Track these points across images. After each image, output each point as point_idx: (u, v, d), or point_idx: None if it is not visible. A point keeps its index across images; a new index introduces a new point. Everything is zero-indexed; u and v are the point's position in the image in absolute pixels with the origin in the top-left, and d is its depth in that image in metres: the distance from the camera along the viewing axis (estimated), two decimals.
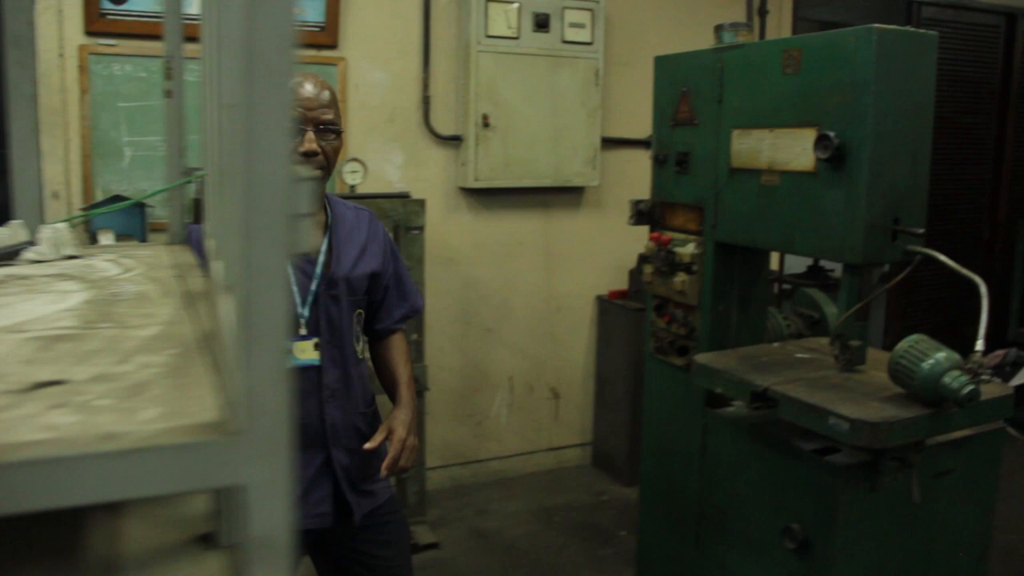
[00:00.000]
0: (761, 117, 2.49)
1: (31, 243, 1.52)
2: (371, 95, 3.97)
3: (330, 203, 2.11)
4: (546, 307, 4.47)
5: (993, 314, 2.06)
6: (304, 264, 2.00)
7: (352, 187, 3.71)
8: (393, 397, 2.19)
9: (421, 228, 3.65)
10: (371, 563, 2.15)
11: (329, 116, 1.98)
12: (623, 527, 3.92)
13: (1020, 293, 5.76)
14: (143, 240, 3.55)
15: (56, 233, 1.55)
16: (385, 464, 2.03)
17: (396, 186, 3.96)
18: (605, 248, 4.47)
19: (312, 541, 2.12)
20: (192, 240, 1.94)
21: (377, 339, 2.25)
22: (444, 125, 4.10)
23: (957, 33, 5.39)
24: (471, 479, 4.41)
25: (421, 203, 3.64)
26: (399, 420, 2.08)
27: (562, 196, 4.33)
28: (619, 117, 4.39)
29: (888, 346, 3.88)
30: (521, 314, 4.43)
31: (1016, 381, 4.57)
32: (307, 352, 1.99)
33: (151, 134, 3.66)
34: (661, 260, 2.84)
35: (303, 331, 1.99)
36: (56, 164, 3.59)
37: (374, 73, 3.96)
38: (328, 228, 2.06)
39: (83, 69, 3.55)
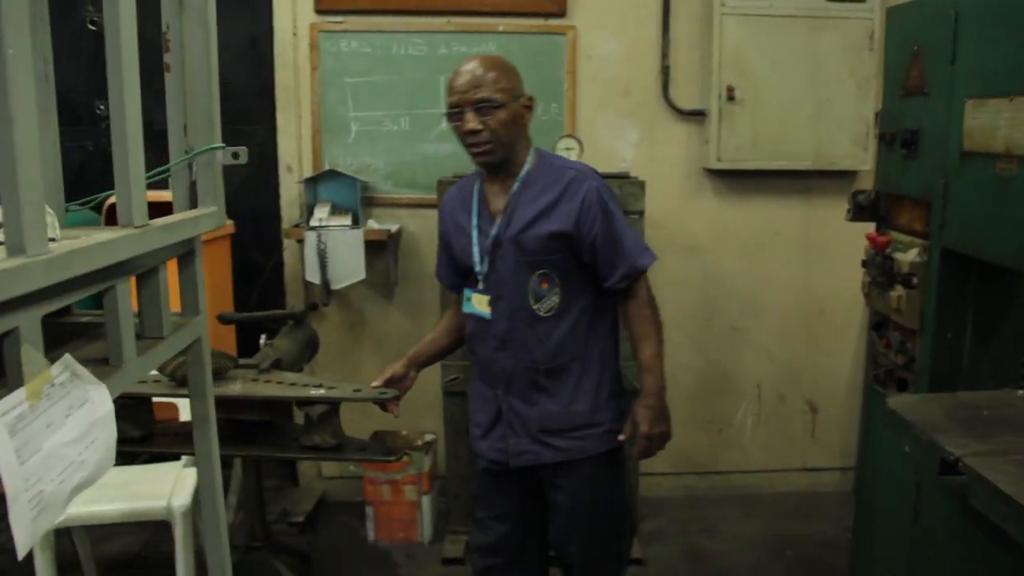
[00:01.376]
0: (1001, 82, 1.83)
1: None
2: (603, 66, 3.63)
3: (537, 165, 2.21)
4: (804, 307, 3.86)
5: None
6: (485, 224, 2.22)
7: None
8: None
9: (640, 213, 3.27)
10: (555, 514, 2.32)
11: (484, 94, 2.08)
12: None
13: None
14: (358, 213, 3.55)
15: (52, 214, 1.45)
16: (636, 456, 2.25)
17: (622, 166, 3.60)
18: None
19: (507, 472, 2.29)
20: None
21: (621, 302, 2.27)
22: (685, 98, 3.65)
23: None
24: (706, 491, 3.97)
25: (640, 185, 3.25)
26: (640, 415, 2.20)
27: (826, 181, 3.67)
28: None
29: None
30: (773, 313, 3.86)
31: None
32: (481, 305, 2.23)
33: (376, 109, 3.64)
34: (878, 268, 2.25)
35: (480, 286, 2.22)
36: (290, 139, 3.71)
37: (607, 43, 3.62)
38: (513, 192, 2.19)
39: (313, 47, 3.61)
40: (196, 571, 2.87)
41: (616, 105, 3.66)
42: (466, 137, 2.13)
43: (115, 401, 2.59)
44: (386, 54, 3.61)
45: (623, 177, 3.31)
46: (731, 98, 3.49)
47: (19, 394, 0.95)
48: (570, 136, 3.39)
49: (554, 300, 2.21)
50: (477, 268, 2.22)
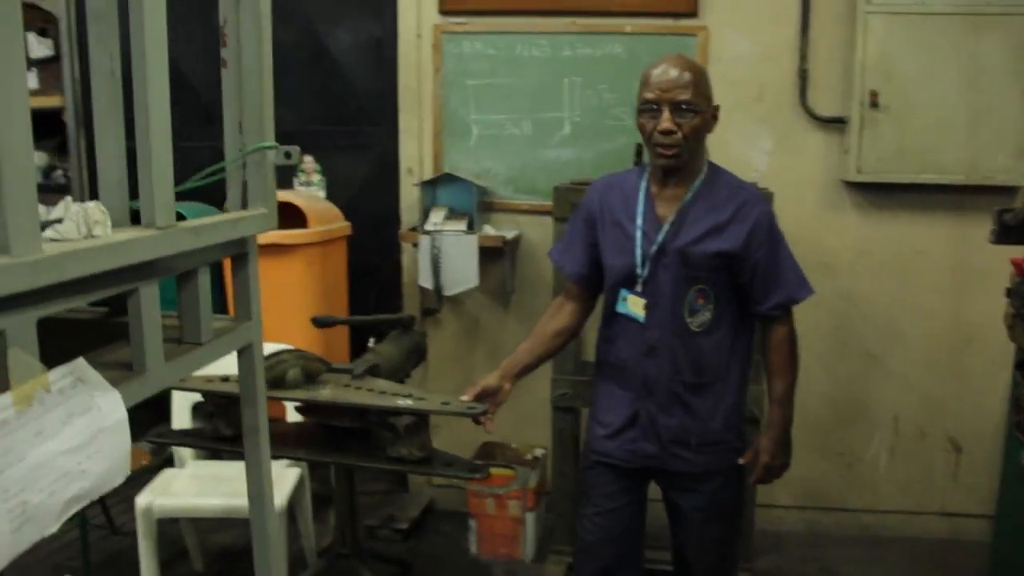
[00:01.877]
0: None
1: (59, 221, 1.42)
2: (735, 69, 3.43)
3: (710, 178, 2.20)
4: (951, 336, 3.52)
5: None
6: (650, 228, 2.18)
7: None
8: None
9: None
10: (681, 516, 2.33)
11: (685, 96, 2.07)
12: None
13: None
14: (473, 218, 3.48)
15: (86, 212, 1.43)
16: (751, 480, 2.30)
17: (752, 176, 3.37)
18: None
19: (623, 473, 2.31)
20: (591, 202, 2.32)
21: (762, 328, 2.28)
22: (824, 104, 3.39)
23: None
24: (831, 528, 3.68)
25: (768, 197, 3.03)
26: (763, 447, 2.26)
27: (980, 197, 3.32)
28: None
29: None
30: (915, 340, 3.54)
31: None
32: (637, 307, 2.21)
33: (497, 112, 3.57)
34: (1022, 298, 1.98)
35: (638, 288, 2.20)
36: (411, 142, 3.68)
37: (740, 43, 3.41)
38: (685, 201, 2.17)
39: (436, 48, 3.57)
40: (289, 571, 2.87)
41: (748, 111, 3.45)
42: (656, 135, 2.10)
43: (209, 399, 2.58)
44: (509, 56, 3.53)
45: None
46: (874, 104, 3.22)
47: (3, 400, 0.90)
48: None
49: (707, 316, 2.20)
50: (638, 271, 2.19)
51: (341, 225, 3.54)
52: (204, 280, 1.47)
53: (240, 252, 1.59)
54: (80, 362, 1.15)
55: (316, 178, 3.83)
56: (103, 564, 3.27)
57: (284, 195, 3.40)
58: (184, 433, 2.66)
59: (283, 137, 4.24)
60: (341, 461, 2.48)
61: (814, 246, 3.47)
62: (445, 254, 3.43)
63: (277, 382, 2.45)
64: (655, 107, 2.10)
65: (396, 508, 3.73)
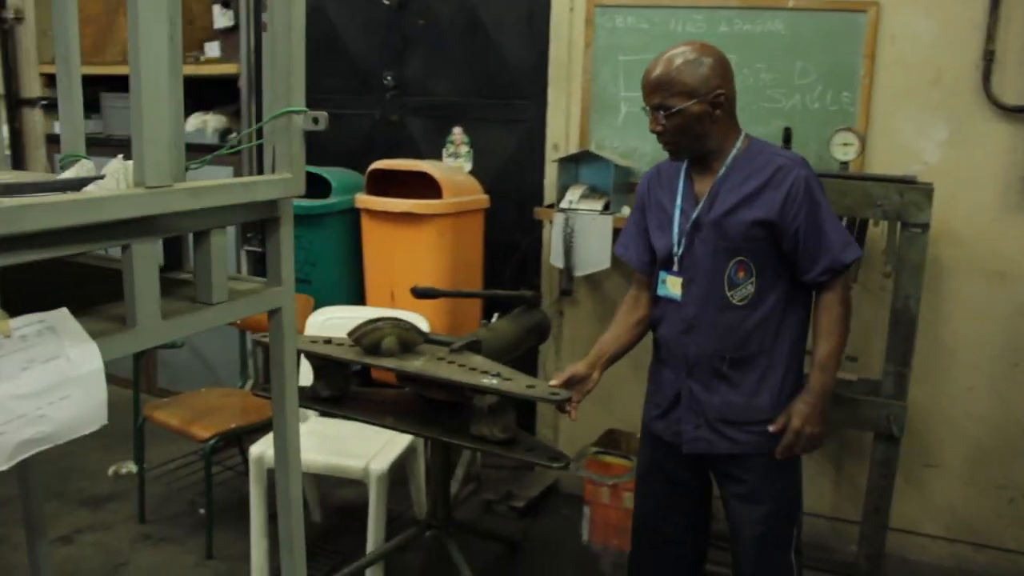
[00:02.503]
0: None
1: (99, 177, 1.48)
2: (910, 49, 3.09)
3: (745, 151, 2.17)
4: None
5: None
6: (687, 206, 2.19)
7: (843, 164, 2.98)
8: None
9: (924, 226, 2.73)
10: (726, 504, 2.29)
11: (656, 100, 2.11)
12: None
13: None
14: (610, 197, 3.37)
15: (126, 169, 1.48)
16: (778, 450, 2.16)
17: (915, 168, 3.06)
18: None
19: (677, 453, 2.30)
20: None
21: (816, 296, 2.22)
22: (1012, 92, 2.99)
23: None
24: (984, 568, 3.29)
25: (926, 193, 2.72)
26: (796, 409, 2.15)
27: None
28: None
29: None
30: None
31: None
32: (674, 287, 2.22)
33: None
34: None
35: (675, 267, 2.21)
36: (559, 117, 3.62)
37: (916, 21, 3.07)
38: (719, 175, 2.16)
39: (588, 22, 3.48)
40: (386, 534, 2.92)
41: (922, 96, 3.11)
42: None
43: (310, 360, 2.63)
44: (663, 31, 3.37)
45: (905, 182, 2.80)
46: None
47: None
48: (847, 130, 2.95)
49: (749, 289, 2.16)
50: (674, 249, 2.20)
51: (478, 198, 3.53)
52: (218, 241, 1.48)
53: (271, 216, 1.59)
54: (56, 314, 1.18)
55: (464, 150, 3.84)
56: (234, 504, 3.46)
57: (420, 165, 3.44)
58: None
59: (433, 108, 4.33)
60: (422, 433, 2.47)
61: (988, 251, 3.11)
62: (578, 233, 3.35)
63: (372, 349, 2.48)
64: (646, 109, 2.16)
65: (517, 486, 3.71)
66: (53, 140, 4.66)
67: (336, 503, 3.57)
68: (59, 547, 3.22)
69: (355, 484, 3.57)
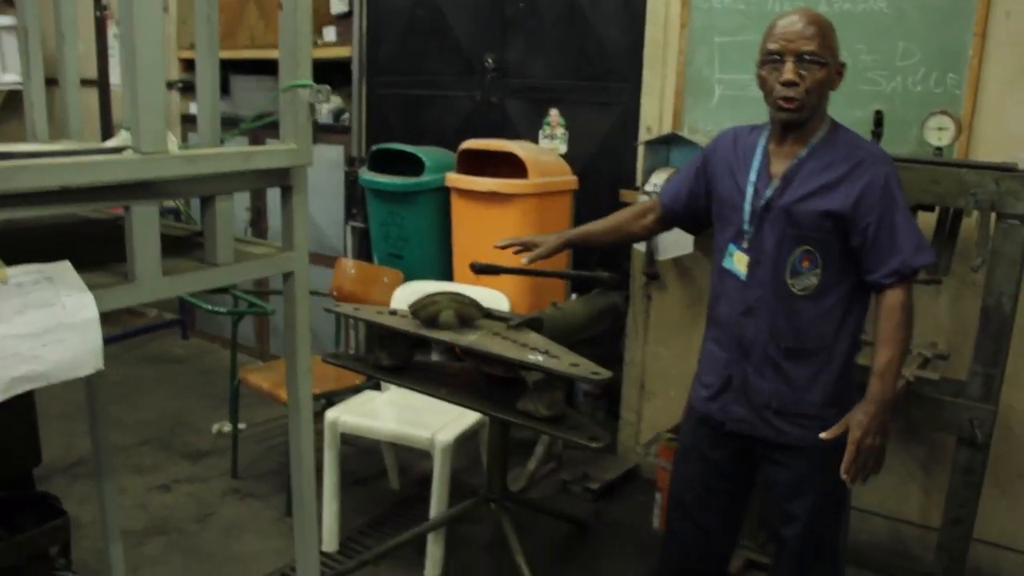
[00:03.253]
0: None
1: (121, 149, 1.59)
2: None
3: (829, 137, 2.11)
4: None
5: None
6: (761, 185, 2.13)
7: (938, 149, 2.81)
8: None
9: (1022, 218, 2.56)
10: (772, 490, 2.25)
11: (810, 47, 2.01)
12: None
13: None
14: None
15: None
16: (843, 468, 2.02)
17: (1019, 156, 2.83)
18: None
19: (724, 434, 2.27)
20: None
21: (878, 298, 2.10)
22: None
23: None
24: None
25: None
26: (856, 419, 2.03)
27: None
28: None
29: None
30: None
31: None
32: (741, 264, 2.16)
33: (742, 71, 3.34)
34: None
35: (745, 244, 2.15)
36: (653, 99, 3.58)
37: None
38: (799, 158, 2.10)
39: (684, 3, 3.42)
40: (448, 503, 2.99)
41: None
42: (778, 88, 2.03)
43: (373, 329, 2.73)
44: (760, 10, 3.27)
45: (1004, 169, 2.61)
46: None
47: None
48: (943, 113, 2.76)
49: (812, 280, 2.10)
50: (745, 227, 2.15)
51: (565, 179, 3.54)
52: (223, 207, 1.56)
53: (284, 184, 1.67)
54: (58, 264, 1.30)
55: (560, 132, 3.85)
56: (322, 466, 3.62)
57: (506, 145, 3.48)
58: (353, 358, 2.86)
59: (532, 90, 4.38)
60: (470, 405, 2.51)
61: None
62: None
63: (430, 321, 2.54)
64: (778, 58, 2.02)
65: (595, 468, 3.71)
66: (189, 120, 5.01)
67: (419, 472, 3.67)
68: (159, 494, 3.47)
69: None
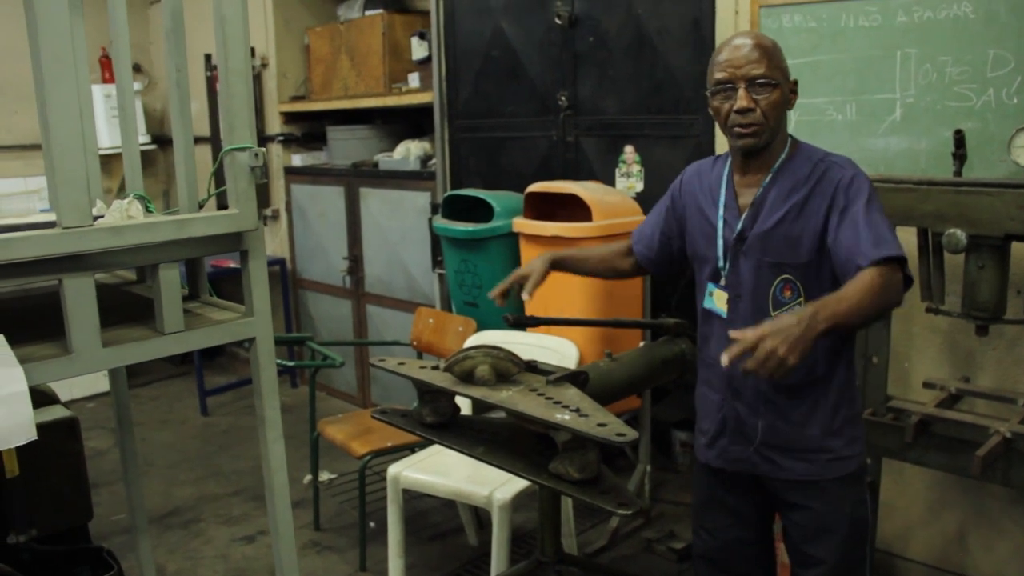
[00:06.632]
0: None
1: (101, 216, 1.60)
2: None
3: (791, 157, 2.04)
4: None
5: None
6: (731, 218, 2.08)
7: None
8: None
9: None
10: (788, 532, 2.17)
11: (759, 71, 1.95)
12: None
13: None
14: None
15: (124, 207, 1.58)
16: (726, 350, 1.73)
17: None
18: None
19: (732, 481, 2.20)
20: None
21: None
22: None
23: None
24: None
25: None
26: (775, 322, 1.71)
27: None
28: None
29: None
30: None
31: None
32: (720, 302, 2.12)
33: (817, 94, 3.10)
34: None
35: (722, 281, 2.10)
36: None
37: None
38: (764, 184, 2.05)
39: (753, 24, 3.22)
40: (508, 563, 2.86)
41: None
42: (733, 116, 1.97)
43: (417, 386, 2.68)
44: (833, 28, 3.03)
45: None
46: None
47: None
48: None
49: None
50: (720, 263, 2.10)
51: (633, 219, 3.37)
52: (168, 275, 1.54)
53: (240, 249, 1.63)
54: None
55: (636, 169, 3.70)
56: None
57: (570, 187, 3.37)
58: (400, 415, 2.79)
59: (605, 127, 4.27)
60: (504, 466, 2.39)
61: None
62: None
63: (465, 377, 2.45)
64: (729, 86, 1.97)
65: (682, 526, 3.49)
66: (292, 171, 5.16)
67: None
68: (241, 545, 3.53)
69: (522, 509, 3.57)
